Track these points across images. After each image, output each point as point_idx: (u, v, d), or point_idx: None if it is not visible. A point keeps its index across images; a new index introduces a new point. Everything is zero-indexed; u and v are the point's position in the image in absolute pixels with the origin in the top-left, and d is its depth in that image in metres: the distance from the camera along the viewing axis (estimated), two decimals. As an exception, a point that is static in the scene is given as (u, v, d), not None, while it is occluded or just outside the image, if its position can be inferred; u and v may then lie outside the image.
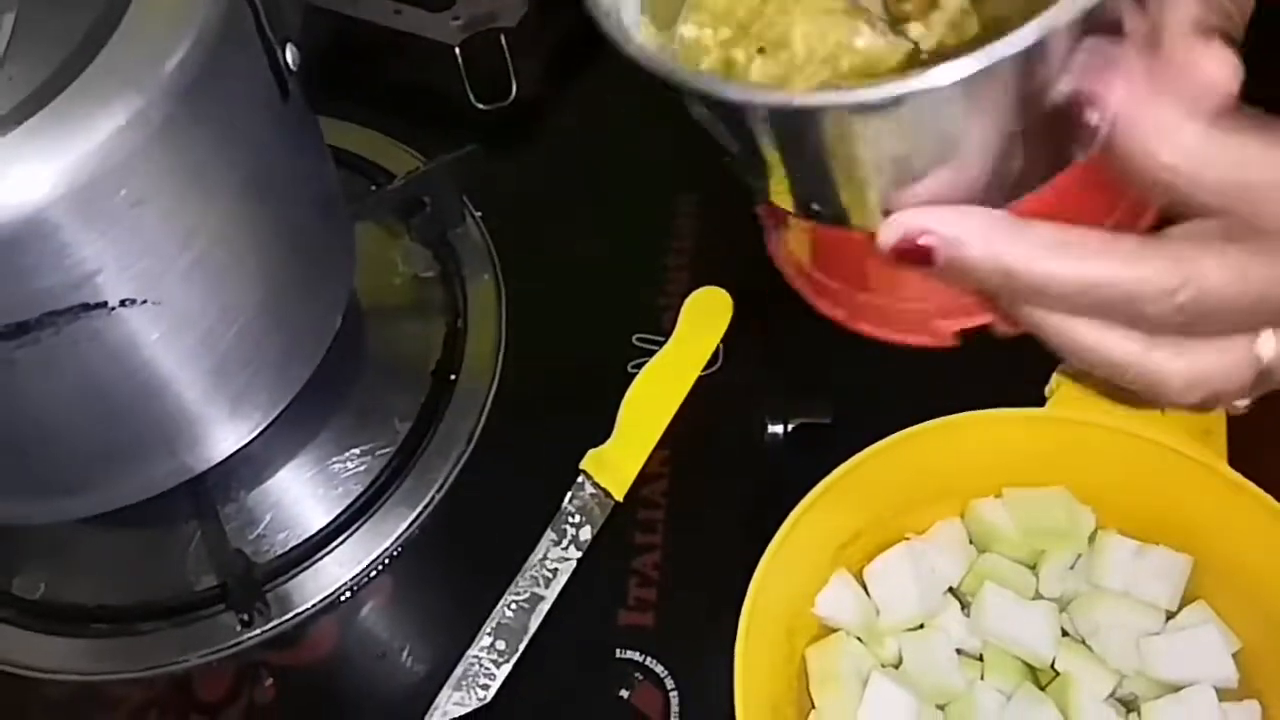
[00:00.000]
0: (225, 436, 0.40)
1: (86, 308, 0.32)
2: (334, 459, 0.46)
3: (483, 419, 0.46)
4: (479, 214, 0.52)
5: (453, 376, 0.47)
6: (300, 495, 0.45)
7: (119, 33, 0.31)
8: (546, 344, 0.49)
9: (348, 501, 0.45)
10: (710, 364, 0.46)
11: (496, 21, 0.53)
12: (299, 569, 0.43)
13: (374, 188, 0.52)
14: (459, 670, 0.40)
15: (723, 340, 0.46)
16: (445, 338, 0.48)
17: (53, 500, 0.39)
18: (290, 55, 0.36)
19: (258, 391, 0.39)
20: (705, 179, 0.52)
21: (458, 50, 0.53)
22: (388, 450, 0.45)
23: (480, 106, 0.54)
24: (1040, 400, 0.42)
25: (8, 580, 0.45)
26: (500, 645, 0.40)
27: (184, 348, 0.36)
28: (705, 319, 0.46)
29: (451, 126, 0.55)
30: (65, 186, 0.30)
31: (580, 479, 0.43)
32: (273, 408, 0.40)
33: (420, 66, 0.55)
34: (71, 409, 0.36)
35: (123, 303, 0.33)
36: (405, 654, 0.42)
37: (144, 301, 0.33)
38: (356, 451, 0.46)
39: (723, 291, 0.46)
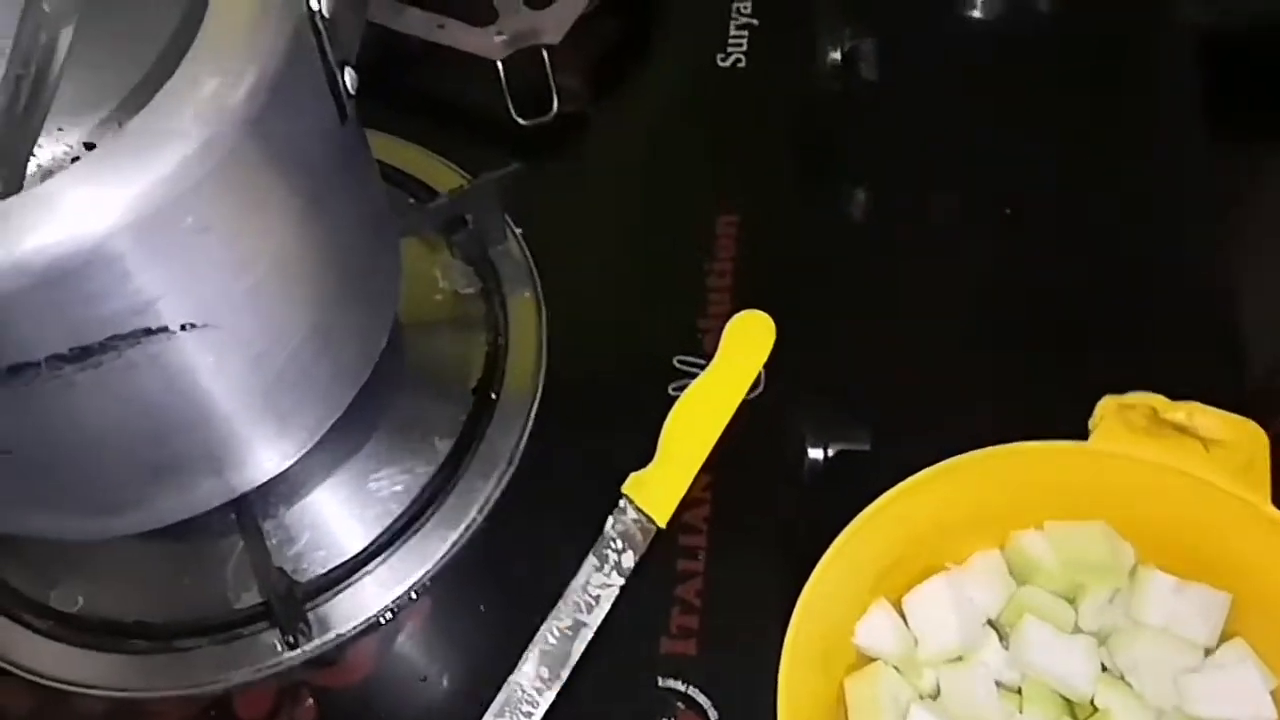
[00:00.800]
0: (271, 456, 0.40)
1: (148, 332, 0.32)
2: (373, 477, 0.46)
3: (524, 439, 0.46)
4: (519, 230, 0.52)
5: (493, 395, 0.47)
6: (338, 514, 0.45)
7: (187, 60, 0.31)
8: (587, 363, 0.49)
9: (387, 521, 0.45)
10: (752, 388, 0.46)
11: (540, 38, 0.53)
12: (338, 589, 0.44)
13: (413, 201, 0.52)
14: (501, 696, 0.40)
15: (765, 364, 0.46)
16: (486, 355, 0.48)
17: (97, 518, 0.39)
18: (349, 78, 0.36)
19: (305, 411, 0.40)
20: (746, 200, 0.53)
21: (500, 66, 0.53)
22: (428, 469, 0.46)
23: (521, 122, 0.54)
24: (1083, 432, 0.43)
25: (45, 593, 0.45)
26: (544, 672, 0.40)
27: (237, 370, 0.36)
28: (747, 343, 0.46)
29: (492, 141, 0.55)
30: (132, 215, 0.30)
31: (622, 503, 0.43)
32: (319, 428, 0.40)
33: (462, 81, 0.55)
34: (123, 429, 0.36)
35: (183, 327, 0.33)
36: (446, 678, 0.42)
37: (203, 326, 0.33)
38: (396, 470, 0.46)
39: (765, 315, 0.46)
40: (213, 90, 0.31)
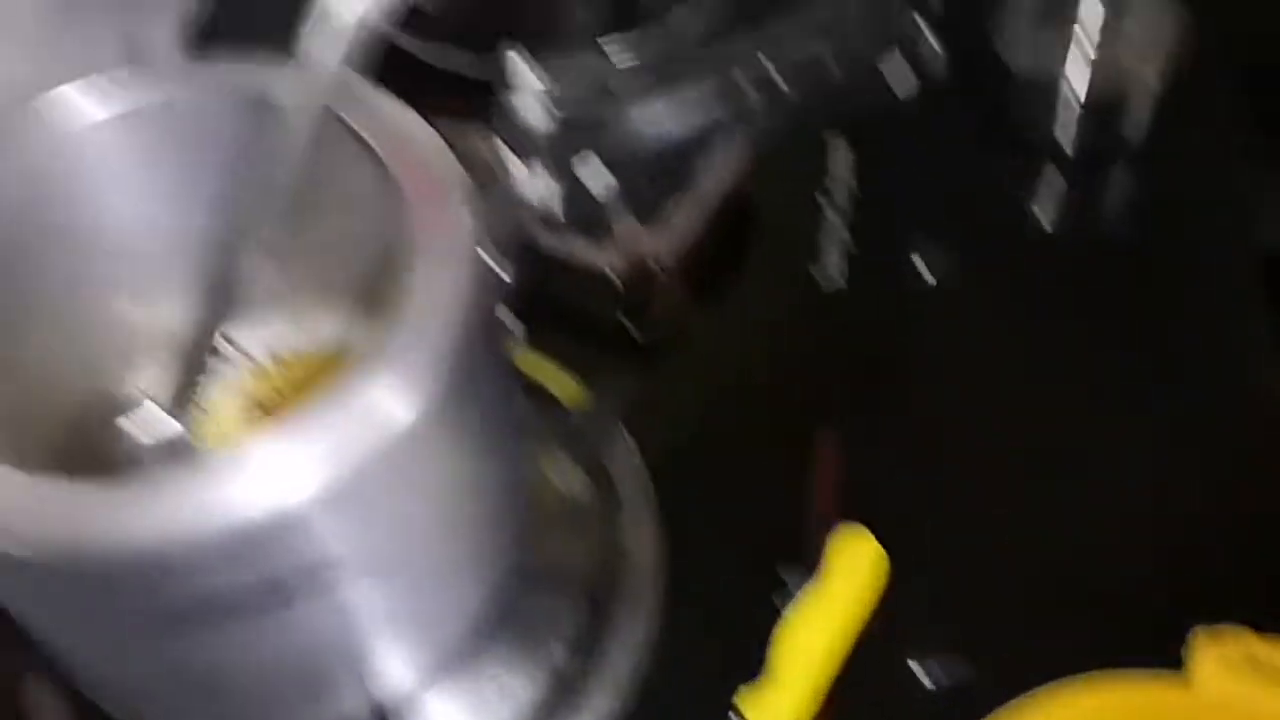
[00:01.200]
0: (403, 678, 0.42)
1: (335, 572, 0.35)
2: (488, 678, 0.47)
3: (637, 644, 0.48)
4: (631, 437, 0.55)
5: (608, 600, 0.49)
6: (456, 716, 0.47)
7: (388, 332, 0.35)
8: (697, 570, 0.51)
9: (504, 723, 0.46)
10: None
11: (655, 257, 0.57)
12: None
13: (535, 408, 0.55)
14: None
15: (871, 583, 0.48)
16: (601, 560, 0.50)
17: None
18: (512, 322, 0.40)
19: (444, 627, 0.42)
20: (845, 414, 0.55)
21: (615, 279, 0.57)
22: (543, 673, 0.47)
23: (632, 331, 0.58)
24: (1177, 659, 0.44)
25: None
26: None
27: (394, 603, 0.39)
28: (853, 561, 0.48)
29: (606, 350, 0.58)
30: (321, 489, 0.33)
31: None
32: (448, 645, 0.43)
33: (579, 292, 0.58)
34: (283, 658, 0.38)
35: (363, 567, 0.35)
36: None
37: (375, 574, 0.36)
38: (511, 672, 0.47)
39: (871, 537, 0.48)
40: (412, 363, 0.34)
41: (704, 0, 0.71)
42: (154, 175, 0.43)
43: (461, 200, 0.39)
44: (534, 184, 0.41)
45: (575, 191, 0.42)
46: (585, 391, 0.55)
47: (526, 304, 0.61)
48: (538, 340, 0.58)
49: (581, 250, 0.58)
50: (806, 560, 0.50)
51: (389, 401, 0.34)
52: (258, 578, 0.34)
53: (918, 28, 0.44)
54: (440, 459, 0.37)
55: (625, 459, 0.54)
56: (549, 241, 0.58)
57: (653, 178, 0.52)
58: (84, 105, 0.42)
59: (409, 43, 0.66)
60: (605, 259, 0.57)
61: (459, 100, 0.44)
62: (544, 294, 0.61)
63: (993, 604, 0.49)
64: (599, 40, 0.63)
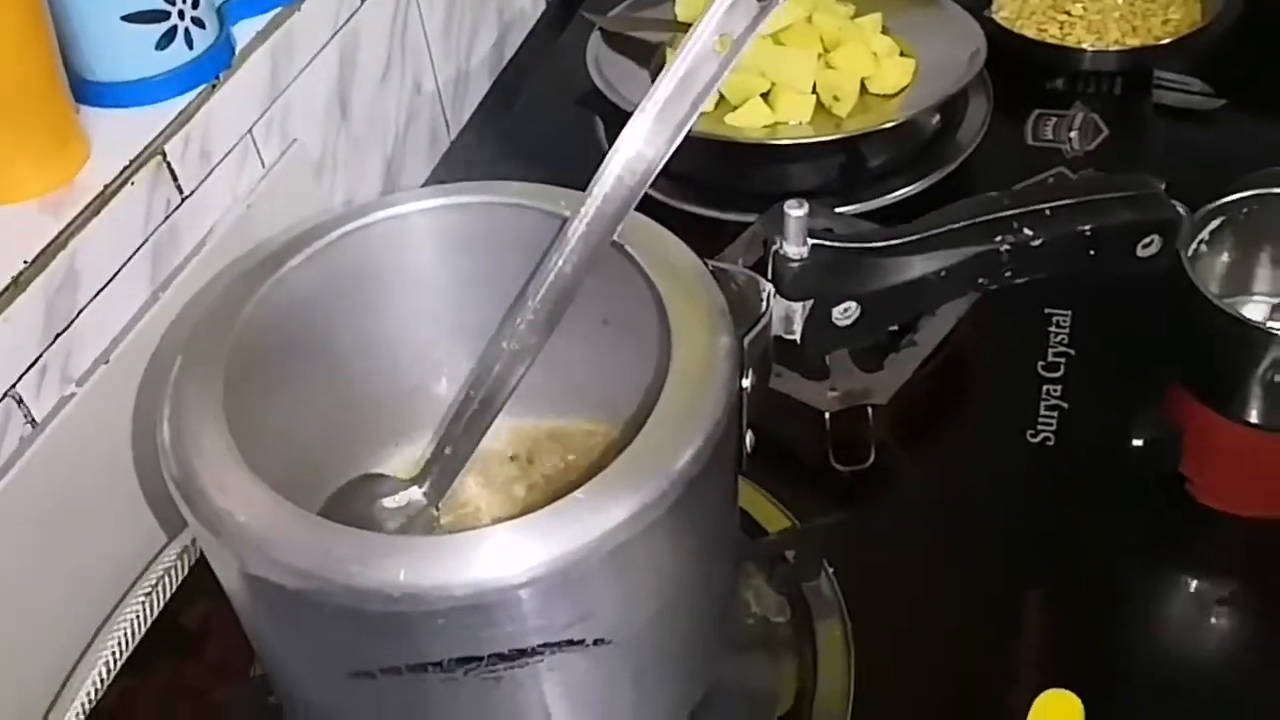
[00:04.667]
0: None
1: (571, 643, 0.38)
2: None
3: (828, 778, 0.49)
4: (831, 569, 0.56)
5: (802, 726, 0.50)
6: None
7: (644, 433, 0.38)
8: (890, 709, 0.51)
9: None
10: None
11: (868, 398, 0.59)
12: None
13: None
14: None
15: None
16: (796, 687, 0.52)
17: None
18: (749, 439, 0.43)
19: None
20: (1051, 573, 0.56)
21: (828, 417, 0.59)
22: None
23: (840, 469, 0.60)
24: None
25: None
26: None
27: (616, 682, 0.41)
28: (1055, 721, 0.48)
29: (811, 483, 0.60)
30: (542, 570, 0.36)
31: None
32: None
33: (790, 426, 0.61)
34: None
35: (596, 641, 0.38)
36: None
37: (610, 642, 0.39)
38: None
39: (1073, 696, 0.48)
40: (659, 459, 0.37)
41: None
42: (443, 273, 0.49)
43: (722, 328, 0.42)
44: (786, 320, 0.44)
45: (821, 330, 0.45)
46: (790, 521, 0.57)
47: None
48: (748, 470, 0.61)
49: (798, 387, 0.61)
50: (1005, 714, 0.50)
51: (616, 509, 0.37)
52: (524, 631, 0.37)
53: (1178, 214, 0.46)
54: (653, 568, 0.40)
55: (825, 591, 0.55)
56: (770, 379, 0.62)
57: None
58: (389, 212, 0.48)
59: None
60: (819, 397, 0.60)
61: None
62: (759, 427, 0.64)
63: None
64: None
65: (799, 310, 0.45)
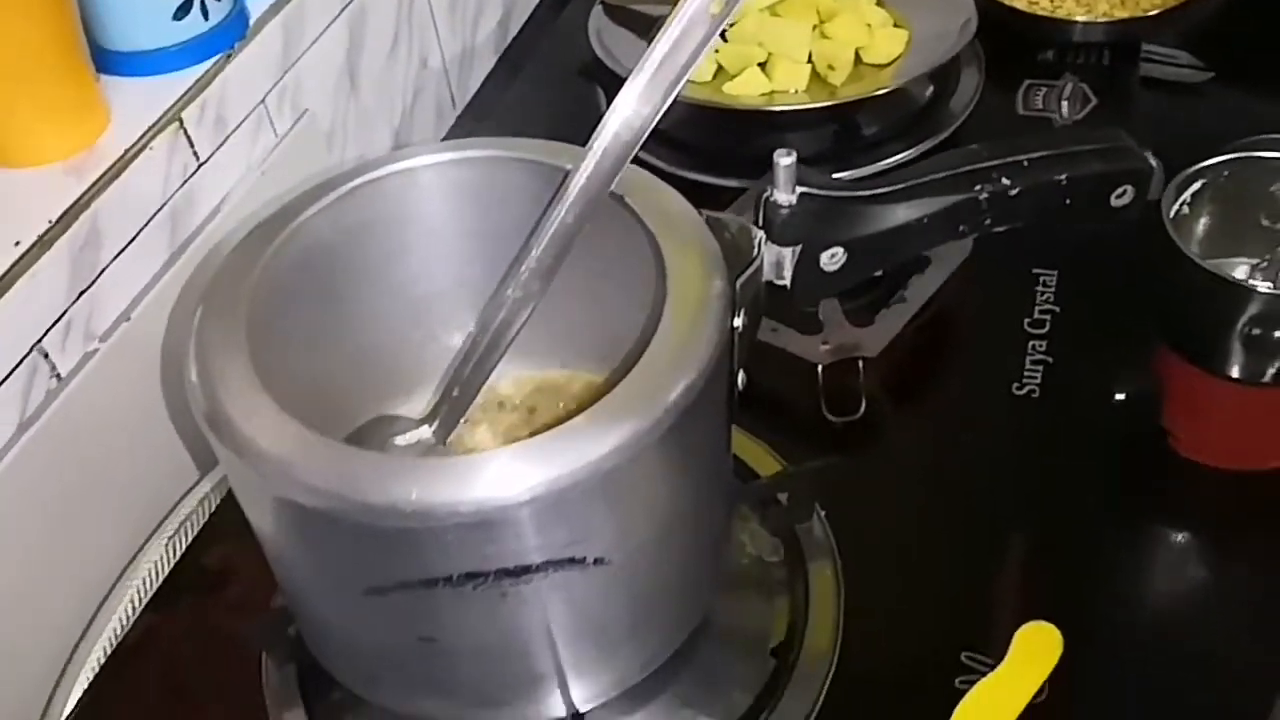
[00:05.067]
0: (606, 683, 0.47)
1: (571, 561, 0.40)
2: (671, 716, 0.51)
3: (817, 707, 0.51)
4: (823, 512, 0.58)
5: (791, 659, 0.53)
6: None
7: (641, 364, 0.40)
8: (879, 642, 0.54)
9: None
10: (1037, 694, 0.50)
11: (859, 350, 0.61)
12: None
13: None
14: None
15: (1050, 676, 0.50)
16: (787, 622, 0.54)
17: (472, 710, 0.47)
18: (740, 379, 0.45)
19: (641, 649, 0.46)
20: (1041, 516, 0.58)
21: (820, 370, 0.62)
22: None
23: (831, 419, 0.62)
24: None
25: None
26: None
27: (615, 602, 0.44)
28: (1035, 653, 0.50)
29: (802, 433, 0.63)
30: (539, 492, 0.38)
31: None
32: (643, 670, 0.47)
33: (783, 378, 0.63)
34: (483, 640, 0.43)
35: (595, 561, 0.41)
36: None
37: (608, 563, 0.41)
38: (696, 715, 0.51)
39: (1054, 629, 0.51)
40: (651, 391, 0.40)
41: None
42: (453, 225, 0.51)
43: (715, 271, 0.44)
44: (777, 265, 0.46)
45: (810, 275, 0.47)
46: (783, 466, 0.59)
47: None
48: (742, 420, 0.63)
49: (792, 341, 0.63)
50: (990, 649, 0.52)
51: (611, 435, 0.39)
52: (527, 549, 0.39)
53: (1149, 164, 0.49)
54: (647, 494, 0.42)
55: (817, 533, 0.58)
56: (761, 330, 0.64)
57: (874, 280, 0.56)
58: (399, 166, 0.50)
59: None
60: (811, 350, 0.62)
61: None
62: (752, 378, 0.67)
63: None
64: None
65: (789, 255, 0.47)
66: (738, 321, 0.43)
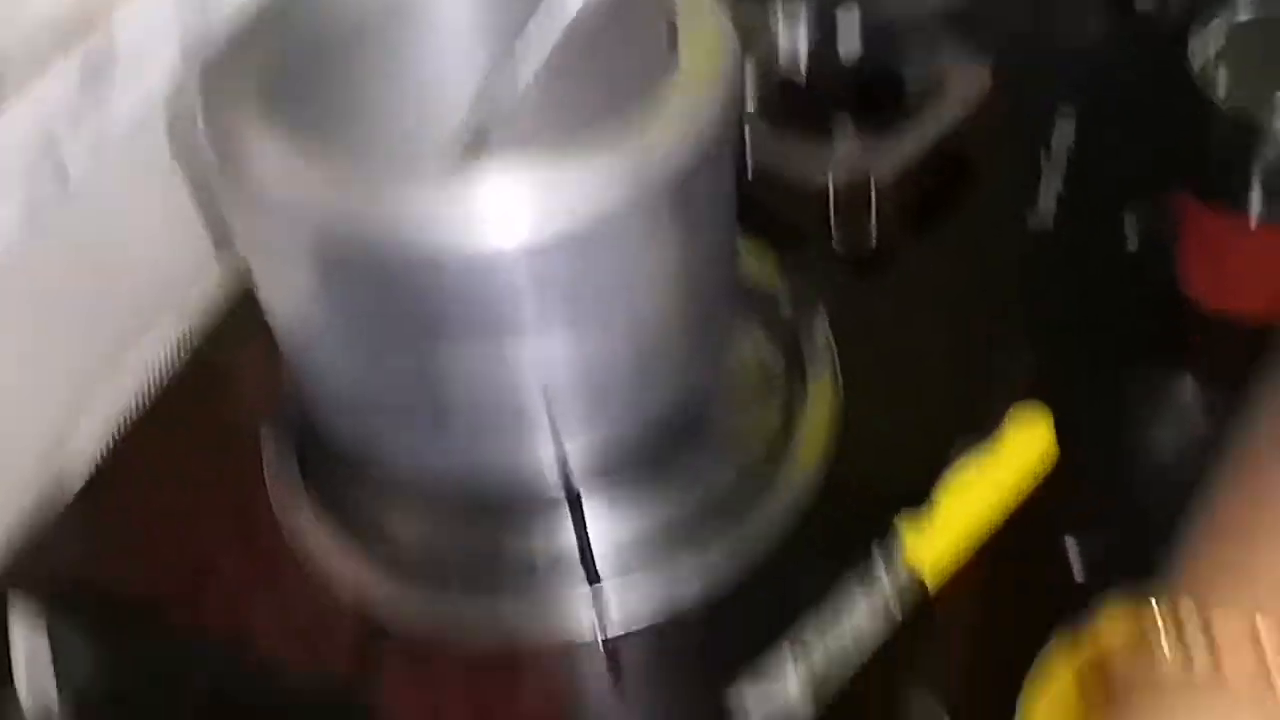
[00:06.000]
0: (590, 458, 0.48)
1: (574, 311, 0.41)
2: (669, 483, 0.52)
3: (810, 481, 0.53)
4: (827, 327, 0.59)
5: (787, 453, 0.54)
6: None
7: (647, 109, 0.40)
8: (873, 441, 0.55)
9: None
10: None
11: (870, 169, 0.61)
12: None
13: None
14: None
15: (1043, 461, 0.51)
16: (783, 422, 0.55)
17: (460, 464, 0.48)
18: (750, 165, 0.45)
19: (630, 414, 0.47)
20: (1048, 335, 0.59)
21: (831, 196, 0.61)
22: (733, 474, 0.53)
23: (840, 247, 0.62)
24: None
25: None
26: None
27: (621, 360, 0.45)
28: (1027, 435, 0.52)
29: (813, 258, 0.63)
30: (557, 235, 0.39)
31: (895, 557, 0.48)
32: (637, 432, 0.48)
33: (794, 199, 0.63)
34: (486, 387, 0.44)
35: (598, 313, 0.41)
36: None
37: (610, 317, 0.42)
38: (696, 473, 0.52)
39: (1047, 417, 0.52)
40: (646, 152, 0.40)
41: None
42: (465, 16, 0.51)
43: (727, 40, 0.44)
44: (791, 37, 0.46)
45: (825, 58, 0.47)
46: (787, 281, 0.60)
47: (744, 207, 0.67)
48: (750, 237, 0.63)
49: (802, 161, 0.63)
50: (983, 429, 0.53)
51: (615, 188, 0.40)
52: (481, 309, 0.40)
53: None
54: (650, 250, 0.43)
55: (819, 343, 0.58)
56: (764, 145, 0.63)
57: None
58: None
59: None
60: (823, 165, 0.62)
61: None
62: (758, 199, 0.67)
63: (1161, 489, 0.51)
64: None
65: (803, 40, 0.46)
66: (749, 106, 0.43)
